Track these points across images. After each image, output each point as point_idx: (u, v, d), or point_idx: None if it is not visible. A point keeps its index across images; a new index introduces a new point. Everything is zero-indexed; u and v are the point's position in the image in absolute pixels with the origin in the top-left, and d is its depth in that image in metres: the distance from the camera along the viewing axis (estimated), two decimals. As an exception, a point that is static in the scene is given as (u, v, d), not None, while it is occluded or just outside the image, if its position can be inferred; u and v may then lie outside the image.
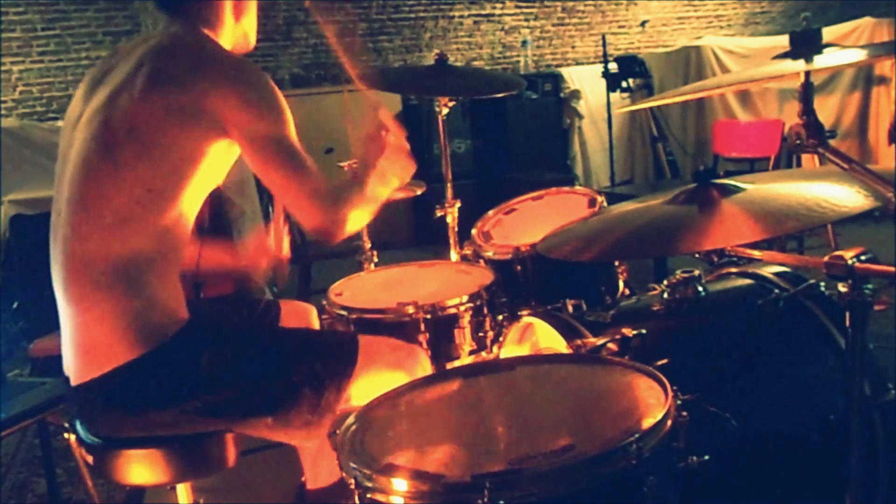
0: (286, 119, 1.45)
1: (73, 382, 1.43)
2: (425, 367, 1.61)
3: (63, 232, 1.41)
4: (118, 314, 1.37)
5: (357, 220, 1.49)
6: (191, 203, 1.46)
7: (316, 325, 1.91)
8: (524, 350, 1.85)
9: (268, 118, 1.43)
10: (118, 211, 1.38)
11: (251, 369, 1.45)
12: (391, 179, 1.57)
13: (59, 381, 1.49)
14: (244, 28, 1.63)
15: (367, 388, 1.50)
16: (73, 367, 1.43)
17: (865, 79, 5.81)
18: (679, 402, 1.17)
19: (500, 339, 1.91)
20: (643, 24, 7.47)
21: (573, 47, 7.29)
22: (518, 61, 6.97)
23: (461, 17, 6.85)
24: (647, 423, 1.09)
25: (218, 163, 1.48)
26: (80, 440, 1.49)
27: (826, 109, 5.73)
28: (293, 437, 1.52)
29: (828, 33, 5.40)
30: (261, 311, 1.81)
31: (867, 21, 5.83)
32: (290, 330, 1.78)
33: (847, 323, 1.11)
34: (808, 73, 1.16)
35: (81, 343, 1.41)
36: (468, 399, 1.34)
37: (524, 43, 6.91)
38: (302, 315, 1.88)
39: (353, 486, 1.10)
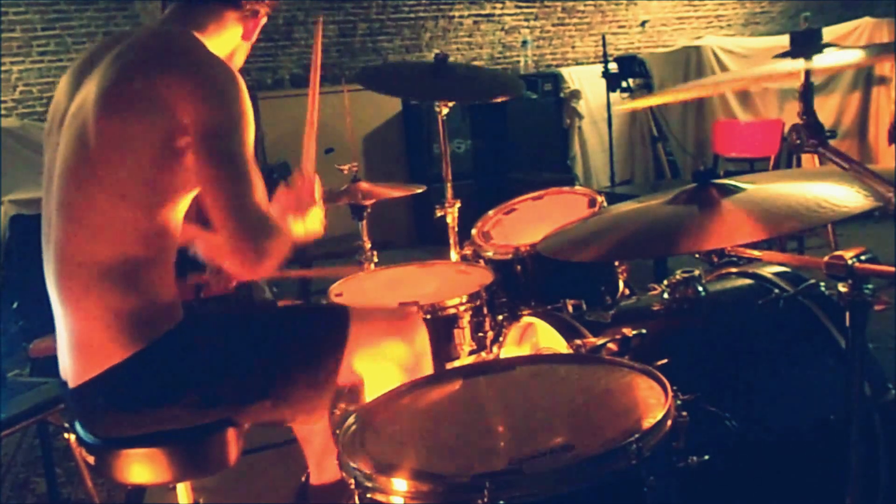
0: (245, 131, 1.35)
1: (71, 384, 1.43)
2: (422, 332, 1.60)
3: (54, 238, 1.40)
4: (112, 314, 1.37)
5: (278, 258, 1.37)
6: (178, 206, 1.42)
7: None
8: (524, 350, 1.85)
9: (225, 121, 1.33)
10: (105, 216, 1.36)
11: (245, 353, 1.45)
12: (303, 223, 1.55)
13: (58, 382, 1.49)
14: (241, 49, 1.57)
15: (365, 357, 1.50)
16: (70, 369, 1.43)
17: (865, 79, 5.82)
18: (679, 402, 1.17)
19: (500, 339, 1.91)
20: (643, 24, 7.46)
21: (573, 47, 7.28)
22: (518, 61, 6.96)
23: (461, 17, 6.84)
24: (647, 423, 1.09)
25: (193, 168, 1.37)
26: (80, 440, 1.49)
27: (826, 109, 5.73)
28: (297, 417, 1.51)
29: (828, 33, 5.36)
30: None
31: (867, 21, 5.83)
32: (280, 308, 1.78)
33: (847, 323, 1.11)
34: (808, 74, 1.16)
35: (77, 344, 1.41)
36: (468, 399, 1.34)
37: (524, 43, 6.91)
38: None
39: (353, 486, 1.10)
